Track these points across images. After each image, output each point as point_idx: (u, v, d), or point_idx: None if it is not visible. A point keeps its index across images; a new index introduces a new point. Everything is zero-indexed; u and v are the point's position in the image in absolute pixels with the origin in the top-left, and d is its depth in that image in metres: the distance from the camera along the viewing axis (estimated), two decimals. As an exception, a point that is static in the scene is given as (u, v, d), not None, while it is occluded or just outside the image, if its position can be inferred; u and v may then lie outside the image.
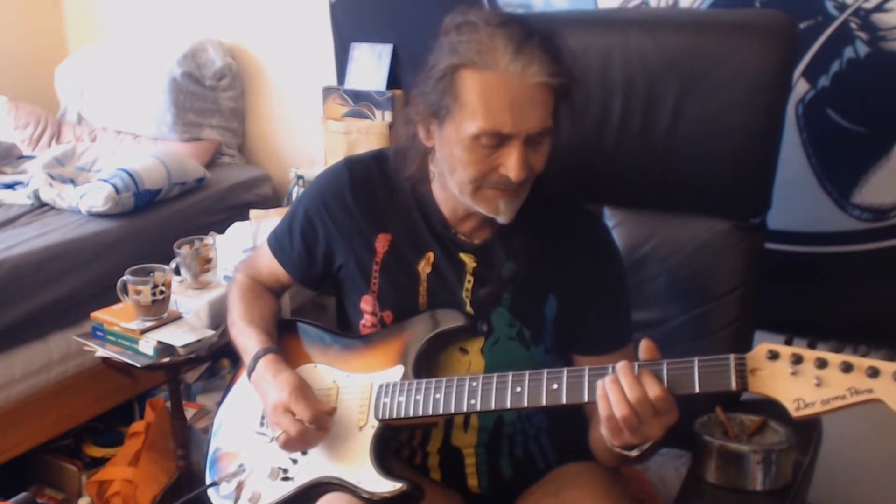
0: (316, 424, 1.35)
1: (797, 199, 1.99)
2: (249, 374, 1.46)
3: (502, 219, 1.33)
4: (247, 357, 1.48)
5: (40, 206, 2.57)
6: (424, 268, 1.43)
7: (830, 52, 1.92)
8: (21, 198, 2.61)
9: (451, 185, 1.35)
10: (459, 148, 1.28)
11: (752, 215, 1.68)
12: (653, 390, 1.14)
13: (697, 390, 1.14)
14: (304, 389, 1.37)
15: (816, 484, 1.53)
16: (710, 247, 1.67)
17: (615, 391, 1.16)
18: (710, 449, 1.41)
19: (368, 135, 2.54)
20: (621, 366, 1.18)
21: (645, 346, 1.21)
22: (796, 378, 1.09)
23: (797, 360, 1.09)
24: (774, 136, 1.63)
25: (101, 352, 1.96)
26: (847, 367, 1.06)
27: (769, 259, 1.77)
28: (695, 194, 1.68)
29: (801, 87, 1.96)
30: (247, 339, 1.50)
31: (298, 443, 1.37)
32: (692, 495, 1.42)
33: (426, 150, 1.38)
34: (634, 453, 1.23)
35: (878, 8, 1.86)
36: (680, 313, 1.69)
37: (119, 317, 1.95)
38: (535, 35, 1.24)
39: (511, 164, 1.25)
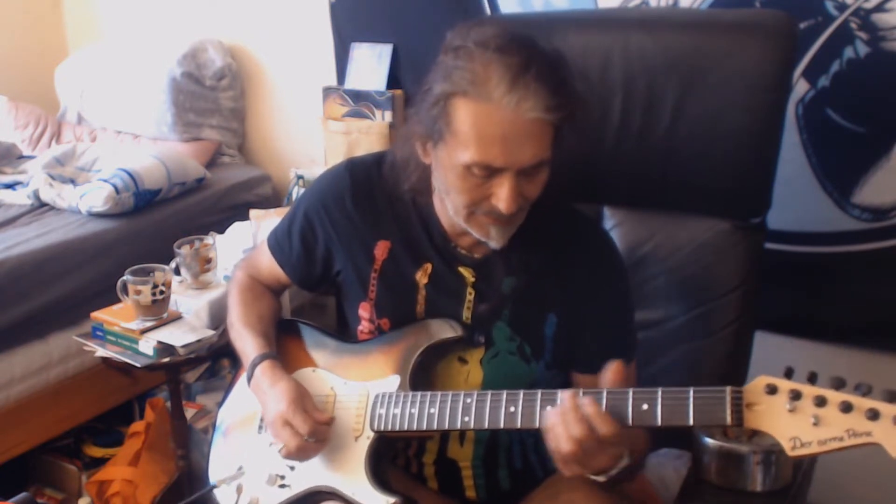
0: (314, 437, 1.34)
1: (797, 199, 1.99)
2: (249, 381, 1.45)
3: (494, 244, 1.32)
4: (245, 361, 1.48)
5: (40, 206, 2.57)
6: (421, 278, 1.41)
7: (830, 52, 1.92)
8: (21, 198, 2.61)
9: (447, 203, 1.34)
10: (452, 174, 1.26)
11: (752, 215, 1.68)
12: (604, 427, 1.12)
13: (692, 423, 1.12)
14: (301, 400, 1.37)
15: (816, 484, 1.53)
16: (710, 247, 1.66)
17: (560, 425, 1.14)
18: (710, 449, 1.41)
19: (368, 135, 2.54)
20: (567, 397, 1.16)
21: (614, 370, 1.19)
22: (794, 415, 1.06)
23: (796, 396, 1.06)
24: (774, 136, 1.63)
25: (101, 352, 1.96)
26: (847, 407, 1.03)
27: (769, 259, 1.77)
28: (695, 194, 1.68)
29: (801, 87, 1.96)
30: (245, 342, 1.49)
31: (299, 455, 1.37)
32: (692, 496, 1.42)
33: (425, 166, 1.36)
34: (601, 479, 1.21)
35: (878, 8, 1.86)
36: (680, 313, 1.68)
37: (119, 317, 1.95)
38: (533, 66, 1.18)
39: (502, 197, 1.22)
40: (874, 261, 1.97)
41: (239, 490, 1.45)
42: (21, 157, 2.97)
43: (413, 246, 1.42)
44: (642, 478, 1.60)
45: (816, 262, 2.03)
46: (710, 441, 1.42)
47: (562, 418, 1.15)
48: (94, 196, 2.42)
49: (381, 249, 1.43)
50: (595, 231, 1.49)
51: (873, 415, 1.02)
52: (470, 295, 1.40)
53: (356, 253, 1.45)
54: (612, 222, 1.74)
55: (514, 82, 1.17)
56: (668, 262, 1.69)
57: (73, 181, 2.62)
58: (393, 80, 2.55)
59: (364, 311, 1.45)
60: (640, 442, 1.27)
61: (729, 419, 1.09)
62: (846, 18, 1.89)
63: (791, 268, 2.05)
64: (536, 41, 1.25)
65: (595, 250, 1.43)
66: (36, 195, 2.56)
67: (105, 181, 2.43)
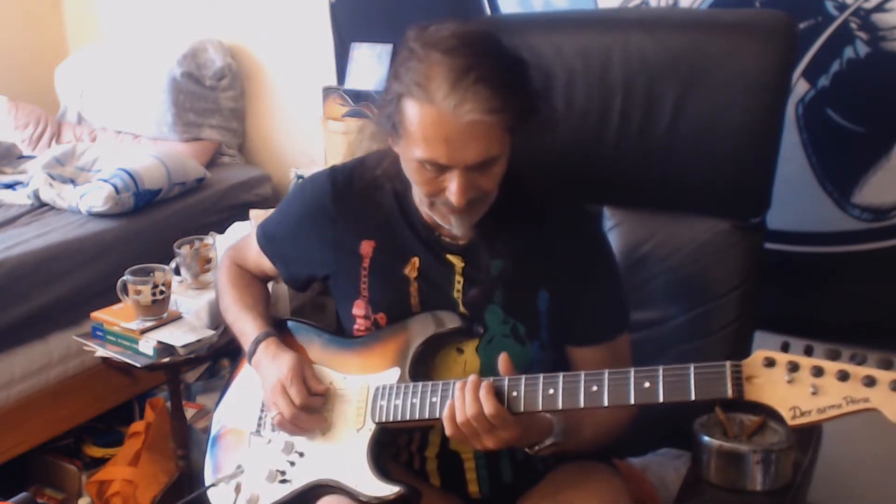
0: (306, 410, 1.38)
1: (797, 199, 1.99)
2: (250, 359, 1.47)
3: (456, 231, 1.36)
4: (245, 341, 1.50)
5: (40, 206, 2.57)
6: (410, 272, 1.42)
7: (830, 52, 1.92)
8: (21, 198, 2.61)
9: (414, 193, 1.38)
10: (410, 167, 1.30)
11: (752, 215, 1.68)
12: (489, 407, 1.21)
13: (693, 398, 1.14)
14: (301, 370, 1.40)
15: (816, 484, 1.53)
16: (710, 247, 1.67)
17: (457, 400, 1.23)
18: (710, 449, 1.41)
19: (368, 135, 2.54)
20: (471, 380, 1.24)
21: (502, 360, 1.26)
22: (792, 386, 1.08)
23: (793, 367, 1.09)
24: (774, 136, 1.63)
25: (101, 352, 1.96)
26: (843, 376, 1.06)
27: (769, 259, 1.77)
28: (695, 194, 1.68)
29: (801, 87, 1.96)
30: (244, 323, 1.52)
31: (291, 426, 1.40)
32: (692, 495, 1.42)
33: (396, 154, 1.37)
34: (529, 451, 1.31)
35: (878, 8, 1.86)
36: (680, 313, 1.68)
37: (119, 317, 1.95)
38: (475, 68, 1.21)
39: (452, 190, 1.26)
40: (874, 261, 1.98)
41: (238, 489, 1.45)
42: (21, 157, 2.97)
43: (397, 243, 1.44)
44: (642, 478, 1.60)
45: (816, 262, 2.03)
46: (710, 441, 1.42)
47: (462, 394, 1.23)
48: (94, 196, 2.42)
49: (366, 248, 1.45)
50: (579, 214, 1.48)
51: (870, 382, 1.04)
52: (459, 283, 1.41)
53: (343, 255, 1.46)
54: (612, 222, 1.74)
55: (454, 85, 1.20)
56: (668, 262, 1.69)
57: (73, 181, 2.62)
58: (393, 80, 2.55)
59: (359, 309, 1.45)
60: (543, 428, 1.30)
61: (730, 392, 1.11)
62: (846, 18, 1.89)
63: (791, 268, 2.05)
64: (492, 43, 1.27)
65: (579, 230, 1.44)
66: (36, 195, 2.56)
67: (105, 181, 2.43)
